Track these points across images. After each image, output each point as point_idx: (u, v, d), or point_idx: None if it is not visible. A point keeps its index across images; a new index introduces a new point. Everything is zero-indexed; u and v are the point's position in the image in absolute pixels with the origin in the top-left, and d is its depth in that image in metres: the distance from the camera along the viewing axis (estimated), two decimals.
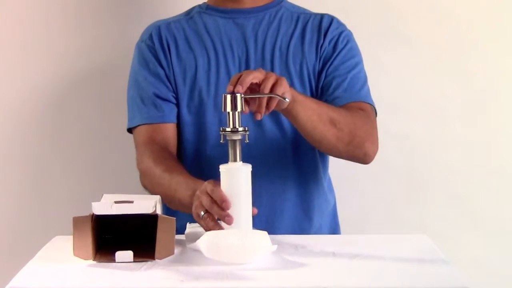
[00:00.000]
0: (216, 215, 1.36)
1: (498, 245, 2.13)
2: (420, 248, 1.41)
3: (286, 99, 1.41)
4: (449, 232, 2.09)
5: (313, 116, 1.52)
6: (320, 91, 1.68)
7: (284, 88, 1.41)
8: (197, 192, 1.42)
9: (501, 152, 2.12)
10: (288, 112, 1.49)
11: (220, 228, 1.36)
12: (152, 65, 1.70)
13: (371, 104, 1.69)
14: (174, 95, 1.70)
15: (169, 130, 1.69)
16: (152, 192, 1.61)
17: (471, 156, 2.12)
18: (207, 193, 1.38)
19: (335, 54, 1.69)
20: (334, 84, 1.67)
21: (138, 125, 1.70)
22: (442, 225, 2.10)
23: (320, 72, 1.69)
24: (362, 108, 1.66)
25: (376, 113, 1.71)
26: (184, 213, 1.69)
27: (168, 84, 1.70)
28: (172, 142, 1.69)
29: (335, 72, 1.68)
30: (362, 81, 1.70)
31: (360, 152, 1.61)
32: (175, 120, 1.70)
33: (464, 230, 2.12)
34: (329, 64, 1.69)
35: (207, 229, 1.37)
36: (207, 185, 1.40)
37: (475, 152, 2.12)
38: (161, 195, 1.46)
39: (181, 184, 1.52)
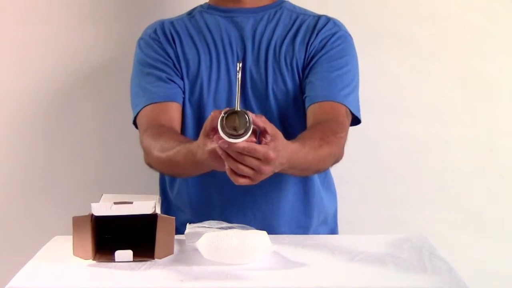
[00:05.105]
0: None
1: (498, 245, 2.13)
2: (420, 248, 1.41)
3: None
4: (449, 232, 2.09)
5: (299, 172, 1.52)
6: (304, 87, 1.67)
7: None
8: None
9: (501, 152, 2.12)
10: None
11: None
12: (159, 55, 1.69)
13: (347, 107, 1.64)
14: (181, 80, 1.68)
15: (174, 110, 1.66)
16: (161, 165, 1.59)
17: (471, 156, 2.12)
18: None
19: (322, 52, 1.67)
20: (316, 81, 1.65)
21: (143, 108, 1.66)
22: (442, 226, 2.10)
23: (305, 68, 1.69)
24: (335, 109, 1.62)
25: (360, 120, 1.67)
26: (183, 212, 1.70)
27: (175, 70, 1.68)
28: (177, 122, 1.66)
29: (318, 68, 1.66)
30: (346, 83, 1.66)
31: (331, 166, 1.62)
32: (180, 100, 1.68)
33: (464, 231, 2.12)
34: (315, 60, 1.67)
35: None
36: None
37: (475, 152, 2.12)
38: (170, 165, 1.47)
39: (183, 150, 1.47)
